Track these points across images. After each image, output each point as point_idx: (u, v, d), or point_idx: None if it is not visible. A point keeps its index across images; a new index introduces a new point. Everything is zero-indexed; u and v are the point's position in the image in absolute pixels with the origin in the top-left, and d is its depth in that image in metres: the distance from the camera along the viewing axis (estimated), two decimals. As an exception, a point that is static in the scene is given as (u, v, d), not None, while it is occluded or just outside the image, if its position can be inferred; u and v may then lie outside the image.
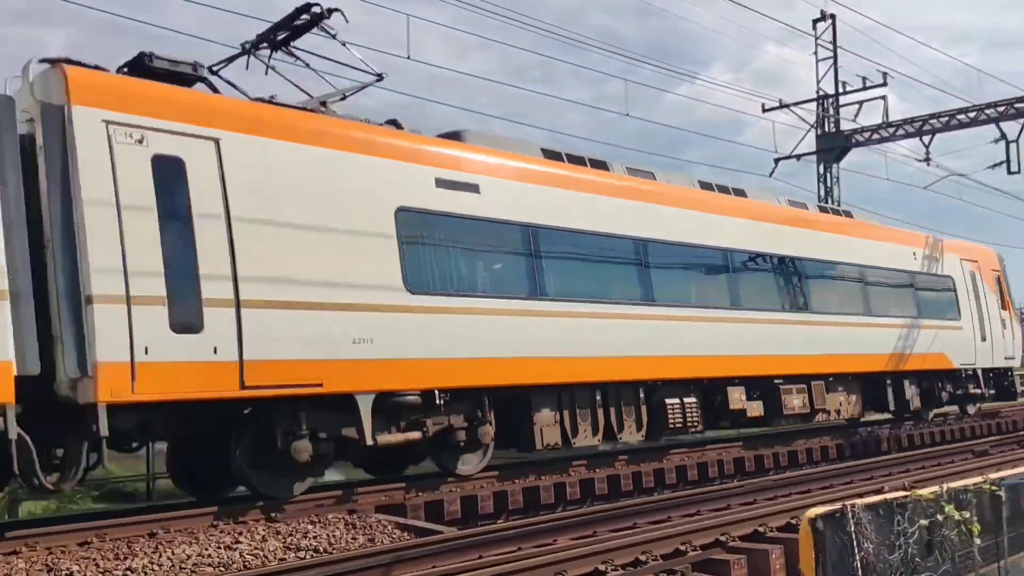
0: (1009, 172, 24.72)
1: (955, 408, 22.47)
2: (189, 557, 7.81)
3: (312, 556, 8.00)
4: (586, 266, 12.86)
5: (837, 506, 5.60)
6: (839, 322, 17.20)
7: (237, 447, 9.43)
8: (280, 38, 10.98)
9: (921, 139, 26.08)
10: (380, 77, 11.43)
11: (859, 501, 5.75)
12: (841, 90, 26.92)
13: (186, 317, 8.54)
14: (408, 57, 13.14)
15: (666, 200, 14.36)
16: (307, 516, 9.37)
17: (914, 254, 20.10)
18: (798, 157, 27.43)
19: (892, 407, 19.42)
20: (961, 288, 21.24)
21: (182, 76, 9.62)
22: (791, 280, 16.63)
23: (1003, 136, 24.50)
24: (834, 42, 26.60)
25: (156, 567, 7.55)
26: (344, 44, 11.08)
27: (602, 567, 6.77)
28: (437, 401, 10.66)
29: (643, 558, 7.05)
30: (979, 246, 23.52)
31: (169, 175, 8.69)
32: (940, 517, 6.33)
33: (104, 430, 7.92)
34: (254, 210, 9.18)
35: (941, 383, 20.80)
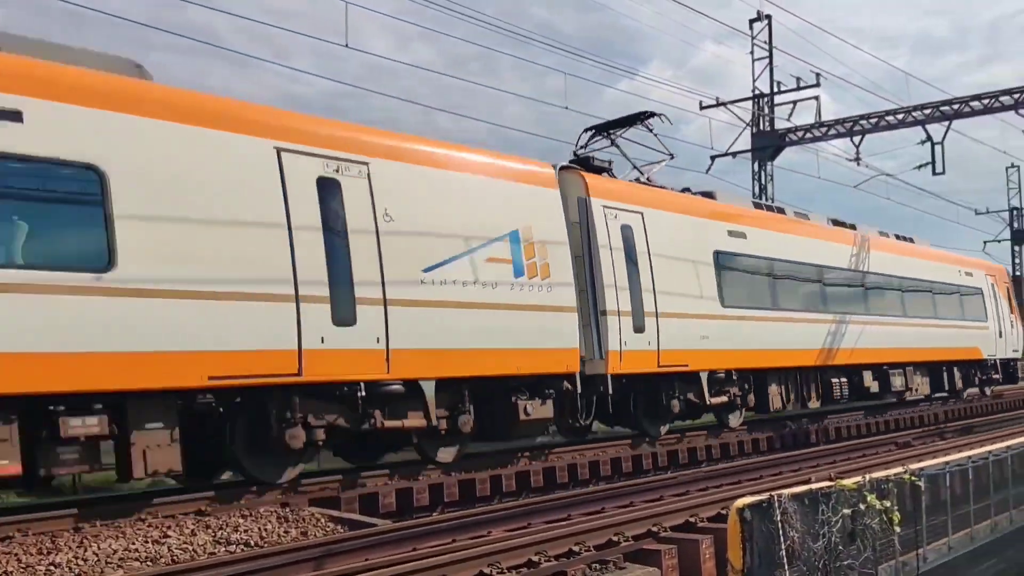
0: (934, 173, 25.58)
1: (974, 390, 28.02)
2: (116, 551, 7.62)
3: (243, 550, 7.87)
4: (798, 285, 18.89)
5: (764, 496, 5.72)
6: (924, 324, 23.27)
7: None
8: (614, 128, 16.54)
9: (852, 139, 26.81)
10: (671, 156, 17.18)
11: (786, 491, 5.89)
12: (776, 90, 27.47)
13: (639, 322, 14.05)
14: (346, 45, 12.98)
15: (839, 239, 20.80)
16: (238, 510, 9.21)
17: (959, 271, 26.19)
18: (734, 155, 27.93)
19: (947, 387, 25.39)
20: (987, 296, 27.40)
21: (607, 169, 15.37)
22: (899, 294, 22.68)
23: (929, 138, 25.31)
24: (770, 42, 27.14)
25: (81, 561, 7.34)
26: (656, 136, 16.82)
27: (536, 558, 6.80)
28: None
29: (577, 549, 7.10)
30: (995, 264, 31.39)
31: (627, 232, 14.25)
32: (862, 506, 6.53)
33: (610, 390, 13.34)
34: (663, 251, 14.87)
35: (974, 370, 27.03)
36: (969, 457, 8.86)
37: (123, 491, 11.02)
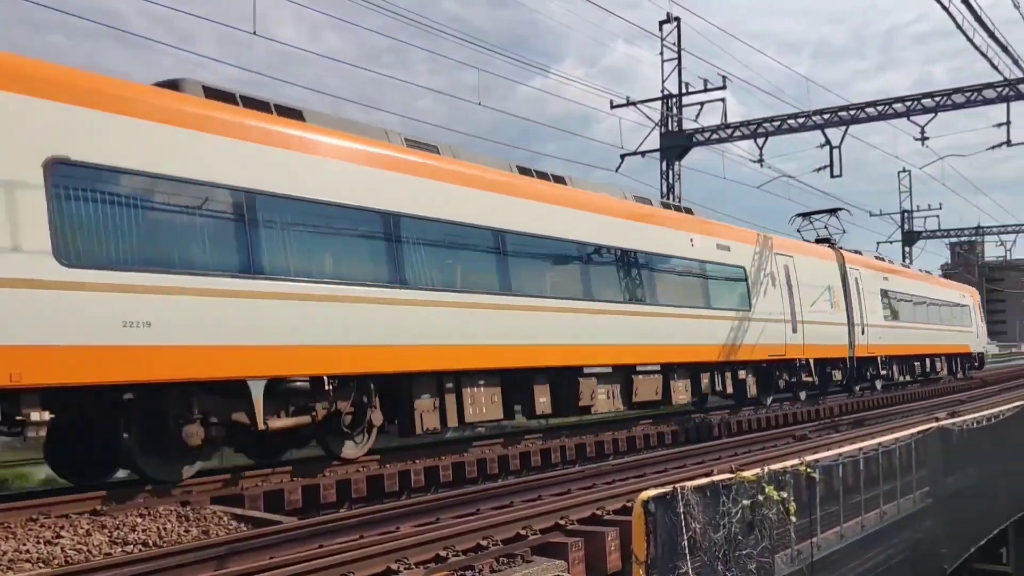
0: (832, 175, 26.63)
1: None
2: (5, 553, 7.27)
3: (140, 550, 7.61)
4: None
5: (668, 489, 5.85)
6: (943, 330, 35.36)
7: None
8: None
9: (755, 141, 27.66)
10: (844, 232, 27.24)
11: (688, 484, 6.04)
12: (684, 91, 28.07)
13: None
14: (254, 32, 12.62)
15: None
16: (135, 509, 8.90)
17: (961, 295, 39.36)
18: (643, 154, 28.44)
19: (946, 371, 36.43)
20: (971, 310, 40.25)
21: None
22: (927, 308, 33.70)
23: (827, 142, 26.33)
24: (679, 44, 27.71)
25: (-35, 565, 6.99)
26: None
27: (443, 553, 6.80)
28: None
29: (484, 543, 7.13)
30: (972, 288, 44.43)
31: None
32: (761, 497, 6.74)
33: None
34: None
35: (964, 359, 39.16)
36: (860, 449, 9.26)
37: (13, 490, 10.52)
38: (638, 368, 16.89)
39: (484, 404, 13.35)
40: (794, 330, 22.34)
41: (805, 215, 27.85)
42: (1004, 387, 31.11)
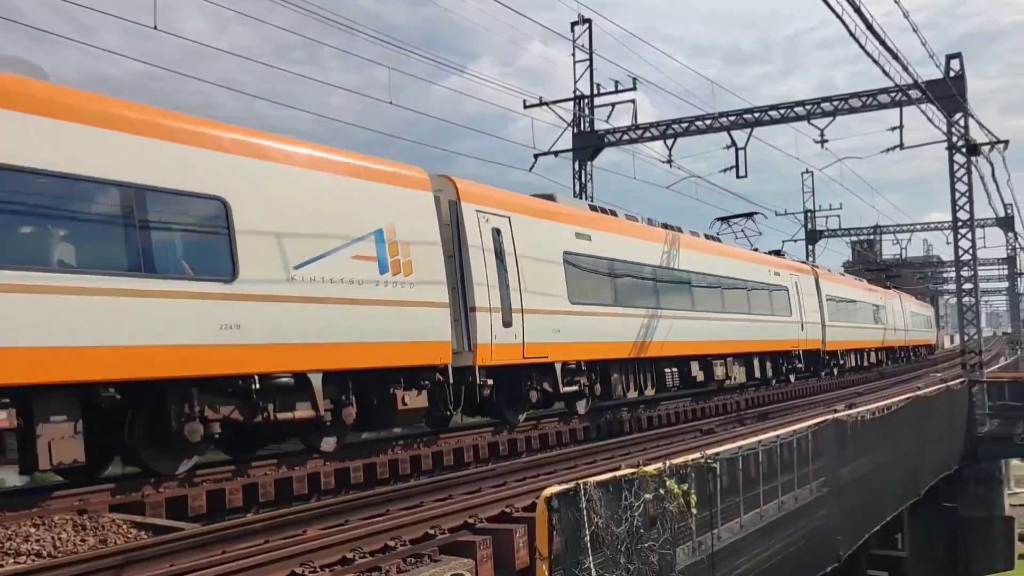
0: (738, 176, 27.33)
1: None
2: None
3: (33, 561, 7.32)
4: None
5: (571, 485, 5.95)
6: (916, 331, 55.60)
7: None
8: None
9: (665, 142, 28.21)
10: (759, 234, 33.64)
11: (591, 479, 6.15)
12: (596, 92, 28.42)
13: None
14: (155, 27, 12.21)
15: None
16: (29, 518, 8.55)
17: (927, 310, 63.28)
18: (556, 153, 28.67)
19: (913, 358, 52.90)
20: (924, 315, 58.57)
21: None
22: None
23: (733, 143, 27.03)
24: (590, 46, 28.03)
25: None
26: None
27: (351, 555, 6.76)
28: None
29: (392, 544, 7.12)
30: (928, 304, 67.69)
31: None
32: (663, 491, 6.92)
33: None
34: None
35: (928, 349, 61.08)
36: (760, 441, 9.58)
37: None
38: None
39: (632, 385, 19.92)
40: (801, 328, 30.55)
41: (724, 219, 31.08)
42: (899, 380, 32.62)
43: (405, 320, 12.71)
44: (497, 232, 15.23)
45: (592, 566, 5.81)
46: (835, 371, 35.83)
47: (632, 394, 20.08)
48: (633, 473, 6.66)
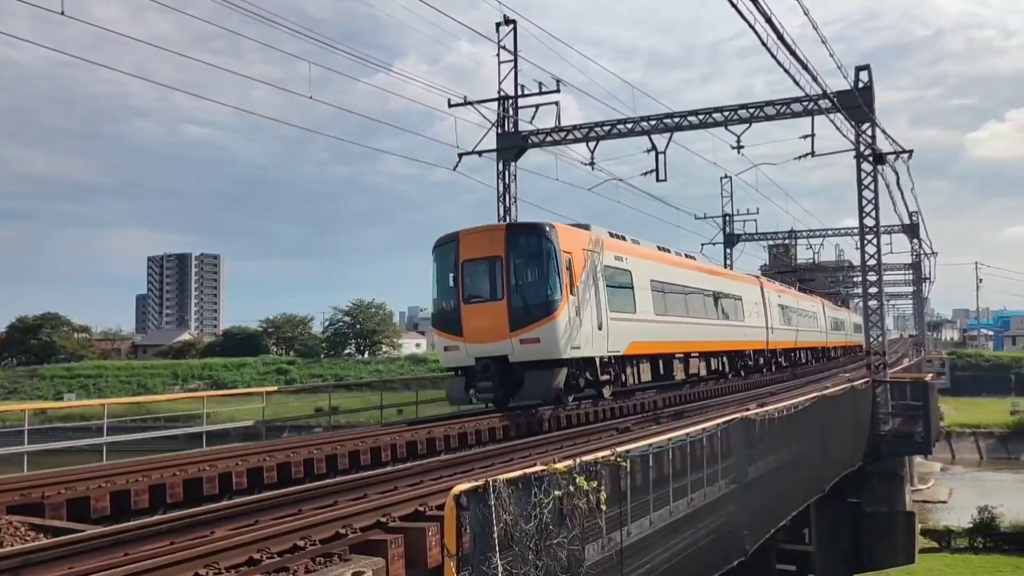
0: (658, 180, 27.85)
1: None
2: None
3: (-79, 568, 7.01)
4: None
5: (480, 482, 5.99)
6: (844, 333, 65.00)
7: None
8: None
9: (587, 144, 28.55)
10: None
11: (501, 476, 6.21)
12: (520, 93, 28.56)
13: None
14: (62, 12, 11.79)
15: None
16: (-82, 523, 8.17)
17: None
18: (480, 153, 28.72)
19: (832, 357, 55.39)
20: (856, 322, 61.05)
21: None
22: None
23: (653, 147, 27.52)
24: (515, 47, 28.13)
25: None
26: None
27: (258, 555, 6.67)
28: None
29: (302, 544, 7.05)
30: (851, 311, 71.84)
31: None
32: (572, 488, 7.02)
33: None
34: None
35: (856, 350, 56.69)
36: (670, 440, 9.80)
37: None
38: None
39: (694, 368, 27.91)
40: (754, 331, 35.91)
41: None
42: (810, 380, 33.69)
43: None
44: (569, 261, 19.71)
45: (500, 563, 5.86)
46: (773, 368, 40.43)
47: (645, 379, 24.41)
48: (543, 470, 6.75)
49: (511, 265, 19.09)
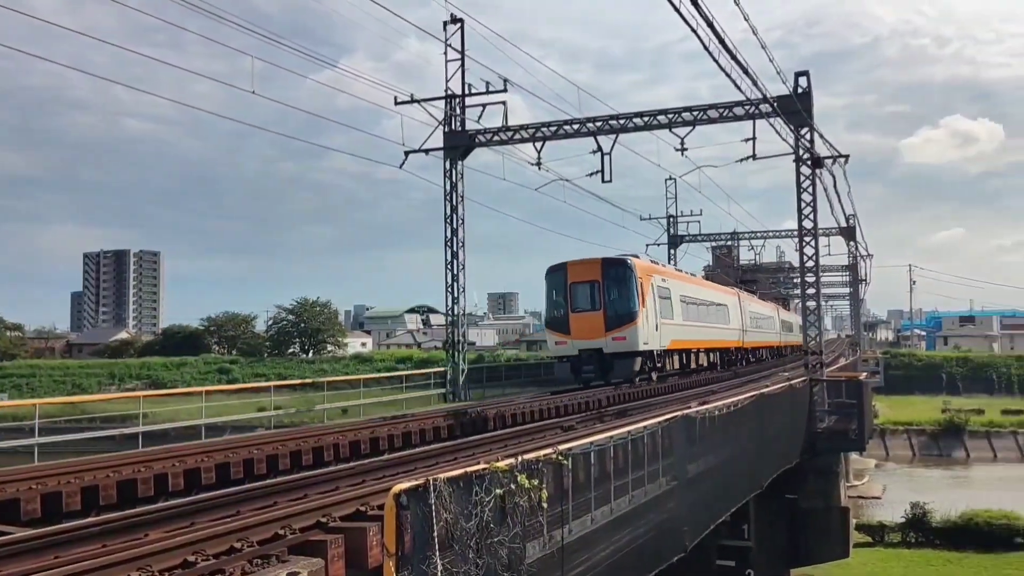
0: (604, 180, 28.12)
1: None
2: None
3: None
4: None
5: (421, 480, 5.98)
6: (793, 334, 58.28)
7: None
8: None
9: (534, 144, 28.66)
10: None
11: (441, 475, 6.20)
12: (467, 92, 28.56)
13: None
14: (-7, 1, 11.42)
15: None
16: None
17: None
18: (426, 151, 28.65)
19: (784, 355, 56.61)
20: (799, 323, 45.02)
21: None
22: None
23: (599, 148, 27.76)
24: (462, 46, 28.14)
25: None
26: None
27: (193, 558, 6.55)
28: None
29: (239, 545, 6.95)
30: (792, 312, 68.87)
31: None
32: (514, 486, 7.05)
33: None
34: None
35: (796, 349, 53.69)
36: (611, 437, 9.90)
37: None
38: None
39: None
40: (744, 333, 44.86)
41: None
42: (750, 379, 34.30)
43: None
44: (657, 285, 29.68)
45: (440, 562, 5.86)
46: (744, 363, 47.03)
47: (675, 367, 32.03)
48: (485, 469, 6.76)
49: (606, 286, 27.61)
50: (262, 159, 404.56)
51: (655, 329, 28.40)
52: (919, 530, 38.95)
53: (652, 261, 33.48)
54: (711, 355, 37.66)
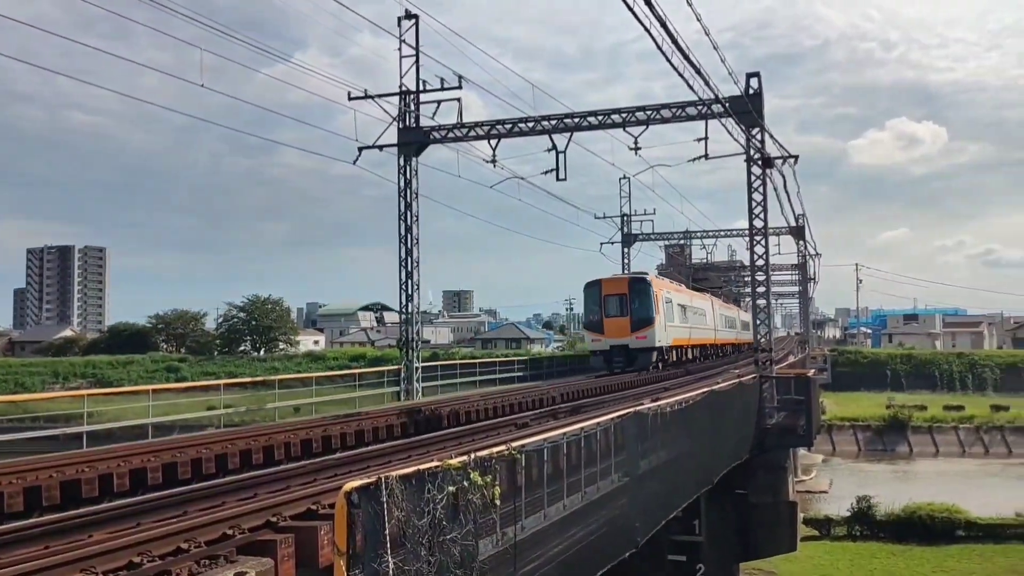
0: (558, 179, 28.17)
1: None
2: None
3: None
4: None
5: (373, 478, 5.93)
6: (749, 332, 45.27)
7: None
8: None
9: (489, 142, 28.62)
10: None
11: (394, 473, 6.16)
12: (422, 88, 28.39)
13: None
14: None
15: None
16: None
17: (737, 312, 67.15)
18: (380, 148, 28.42)
19: (741, 351, 57.69)
20: (747, 321, 56.25)
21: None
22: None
23: (554, 147, 27.82)
24: (416, 42, 27.93)
25: None
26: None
27: (138, 559, 6.42)
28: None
29: (186, 546, 6.83)
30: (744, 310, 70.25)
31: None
32: (467, 483, 7.03)
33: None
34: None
35: (748, 346, 48.90)
36: (565, 434, 9.93)
37: None
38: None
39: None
40: (716, 332, 52.63)
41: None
42: (702, 376, 34.72)
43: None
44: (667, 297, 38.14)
45: (391, 560, 5.82)
46: (715, 357, 53.15)
47: (674, 359, 40.06)
48: (438, 466, 6.73)
49: (631, 298, 35.86)
50: (212, 154, 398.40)
51: (664, 330, 36.53)
52: (864, 523, 39.85)
53: (657, 276, 43.89)
54: (695, 350, 45.61)
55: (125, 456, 12.00)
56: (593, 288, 36.78)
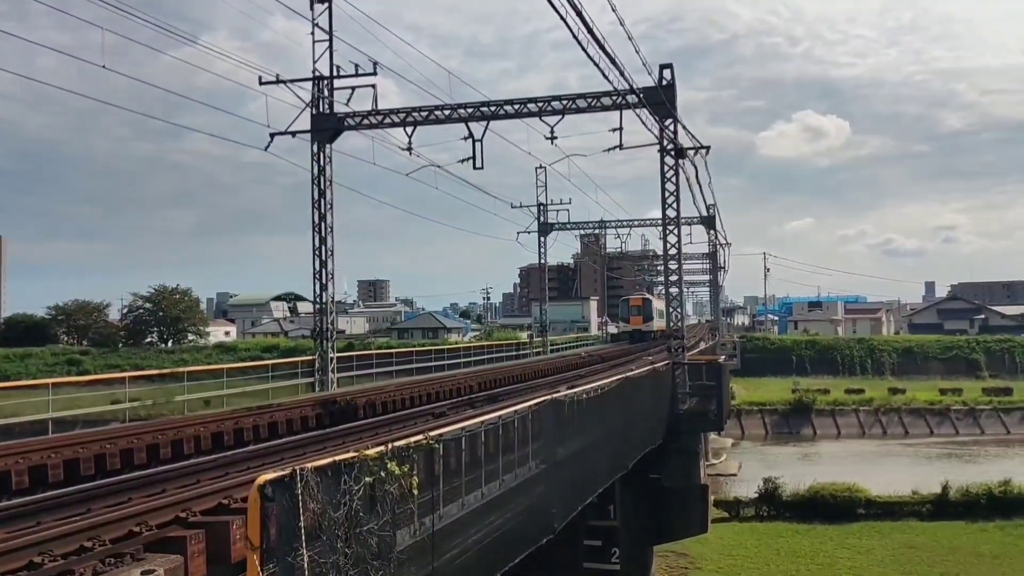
0: (475, 167, 28.11)
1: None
2: None
3: None
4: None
5: (287, 471, 5.80)
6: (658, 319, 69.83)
7: None
8: None
9: (405, 129, 28.33)
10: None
11: (309, 464, 6.04)
12: (336, 74, 27.88)
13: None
14: None
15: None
16: None
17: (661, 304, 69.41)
18: (293, 134, 27.81)
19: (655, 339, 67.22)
20: (662, 309, 62.06)
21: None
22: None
23: (471, 135, 27.72)
24: (330, 26, 27.40)
25: None
26: None
27: (39, 559, 6.14)
28: None
29: (90, 544, 6.57)
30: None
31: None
32: (384, 474, 6.95)
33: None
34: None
35: (662, 333, 59.27)
36: (482, 422, 9.93)
37: None
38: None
39: None
40: (661, 323, 60.97)
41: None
42: (615, 363, 35.27)
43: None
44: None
45: (307, 553, 5.71)
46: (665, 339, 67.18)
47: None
48: (354, 457, 6.63)
49: (643, 306, 66.27)
50: (115, 138, 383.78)
51: (655, 323, 61.62)
52: (771, 504, 41.24)
53: (650, 290, 73.93)
54: (658, 333, 61.78)
55: (23, 453, 11.45)
56: (625, 300, 69.30)
